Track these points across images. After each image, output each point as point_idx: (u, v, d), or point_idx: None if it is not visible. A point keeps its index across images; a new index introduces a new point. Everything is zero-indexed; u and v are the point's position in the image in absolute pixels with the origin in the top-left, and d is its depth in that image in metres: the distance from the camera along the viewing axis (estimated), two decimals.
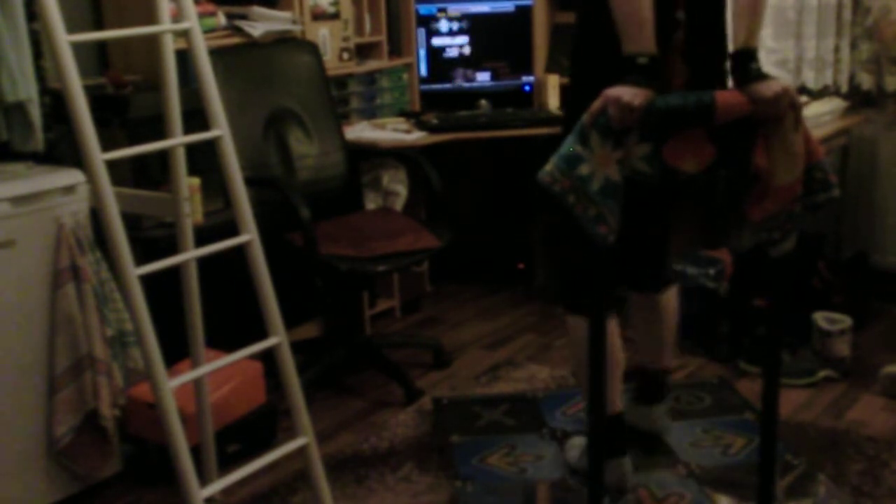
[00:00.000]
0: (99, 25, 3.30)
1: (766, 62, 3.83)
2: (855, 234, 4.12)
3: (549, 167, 2.10)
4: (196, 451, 2.42)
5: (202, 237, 2.38)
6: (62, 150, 2.76)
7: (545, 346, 3.70)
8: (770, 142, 2.10)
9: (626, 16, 2.10)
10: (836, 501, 2.58)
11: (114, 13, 3.28)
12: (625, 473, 2.62)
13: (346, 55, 3.85)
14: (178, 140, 2.33)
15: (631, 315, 2.83)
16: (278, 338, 2.32)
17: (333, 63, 3.79)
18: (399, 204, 3.78)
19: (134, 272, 2.05)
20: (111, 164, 2.05)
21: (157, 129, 2.35)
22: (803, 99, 3.71)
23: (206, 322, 2.50)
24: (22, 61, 2.62)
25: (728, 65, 2.25)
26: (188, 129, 2.33)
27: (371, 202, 3.73)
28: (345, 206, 3.53)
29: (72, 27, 2.05)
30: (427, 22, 4.17)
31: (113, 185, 2.04)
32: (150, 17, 2.29)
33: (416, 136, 3.78)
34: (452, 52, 4.21)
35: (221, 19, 3.40)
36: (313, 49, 3.62)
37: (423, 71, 4.20)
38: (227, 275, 2.68)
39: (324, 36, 3.75)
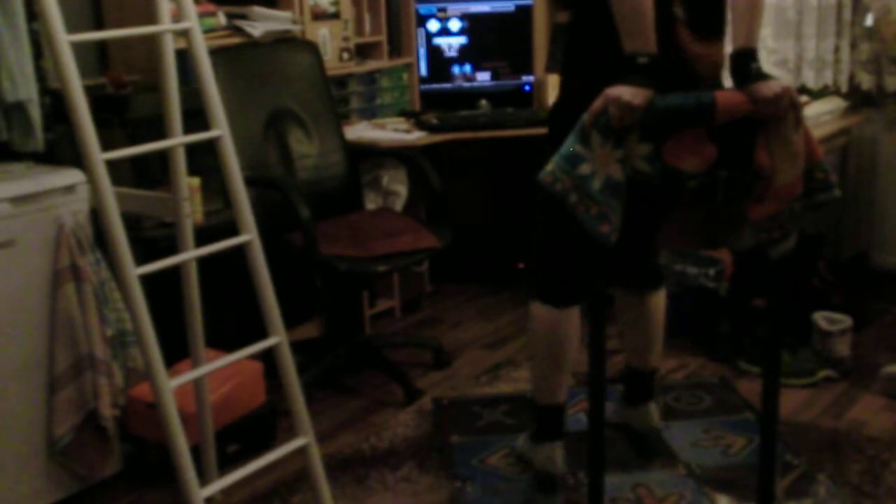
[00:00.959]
0: (99, 25, 3.30)
1: (766, 62, 3.83)
2: (855, 234, 4.12)
3: (550, 167, 2.10)
4: (196, 451, 2.42)
5: (202, 237, 2.38)
6: (62, 150, 2.76)
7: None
8: (770, 141, 2.10)
9: (628, 14, 2.10)
10: (836, 501, 2.58)
11: (114, 13, 3.28)
12: (555, 459, 2.64)
13: (346, 55, 3.85)
14: (178, 140, 2.33)
15: (619, 315, 2.83)
16: (278, 338, 2.32)
17: (333, 63, 3.79)
18: (399, 204, 3.78)
19: (134, 272, 2.05)
20: (111, 164, 2.05)
21: (157, 129, 2.35)
22: (803, 99, 3.71)
23: (206, 322, 2.50)
24: (22, 61, 2.62)
25: (728, 65, 2.24)
26: (188, 129, 2.33)
27: (371, 202, 3.73)
28: (345, 206, 3.53)
29: (72, 27, 2.05)
30: (427, 22, 4.17)
31: (113, 185, 2.05)
32: (150, 17, 2.29)
33: (416, 136, 3.78)
34: (452, 52, 4.22)
35: (221, 19, 3.40)
36: (313, 49, 3.62)
37: (423, 71, 4.20)
38: (227, 275, 2.68)
39: (324, 36, 3.75)
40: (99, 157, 2.02)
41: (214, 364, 2.30)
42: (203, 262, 2.38)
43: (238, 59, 3.38)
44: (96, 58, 3.34)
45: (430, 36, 4.18)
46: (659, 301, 2.78)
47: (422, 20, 4.16)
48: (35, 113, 2.68)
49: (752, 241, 2.20)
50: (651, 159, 2.10)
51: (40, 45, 2.69)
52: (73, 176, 2.59)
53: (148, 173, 2.98)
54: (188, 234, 2.39)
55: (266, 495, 2.71)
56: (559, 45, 4.17)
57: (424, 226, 3.36)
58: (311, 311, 3.69)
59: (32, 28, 2.66)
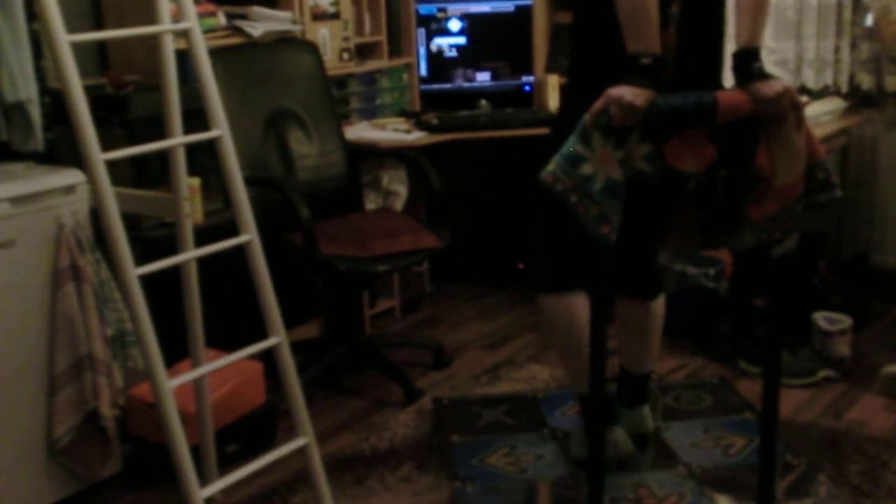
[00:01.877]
0: (99, 25, 3.30)
1: (766, 62, 3.82)
2: (855, 235, 4.12)
3: (551, 167, 2.10)
4: (196, 451, 2.42)
5: (202, 237, 2.38)
6: (62, 150, 2.76)
7: (545, 346, 3.69)
8: (772, 141, 2.09)
9: (631, 14, 2.09)
10: (836, 501, 2.58)
11: (114, 13, 3.28)
12: (619, 441, 2.63)
13: (346, 55, 3.85)
14: (178, 140, 2.33)
15: (617, 320, 2.82)
16: (278, 338, 2.32)
17: (333, 63, 3.79)
18: (399, 204, 3.78)
19: (134, 272, 2.05)
20: (111, 164, 2.05)
21: (157, 129, 2.35)
22: (803, 99, 3.71)
23: (206, 322, 2.50)
24: (22, 61, 2.62)
25: (730, 64, 2.24)
26: (188, 129, 2.33)
27: (371, 202, 3.73)
28: (345, 206, 3.53)
29: (72, 27, 2.05)
30: (427, 22, 4.17)
31: (113, 185, 2.05)
32: (150, 17, 2.29)
33: (416, 136, 3.78)
34: (452, 52, 4.21)
35: (221, 19, 3.40)
36: (313, 49, 3.62)
37: (423, 71, 4.20)
38: (227, 275, 2.68)
39: (324, 36, 3.75)
40: (99, 157, 2.02)
41: (214, 364, 2.30)
42: (203, 262, 2.38)
43: (238, 59, 3.38)
44: (96, 58, 3.34)
45: (430, 36, 4.18)
46: (658, 309, 2.77)
47: (422, 20, 4.16)
48: (35, 113, 2.67)
49: (753, 241, 2.20)
50: (651, 159, 2.10)
51: (40, 45, 2.69)
52: (73, 176, 2.59)
53: (148, 173, 2.98)
54: (188, 235, 2.39)
55: (266, 495, 2.71)
56: (560, 46, 4.18)
57: (424, 226, 3.36)
58: (311, 311, 3.69)
59: (32, 28, 2.66)
